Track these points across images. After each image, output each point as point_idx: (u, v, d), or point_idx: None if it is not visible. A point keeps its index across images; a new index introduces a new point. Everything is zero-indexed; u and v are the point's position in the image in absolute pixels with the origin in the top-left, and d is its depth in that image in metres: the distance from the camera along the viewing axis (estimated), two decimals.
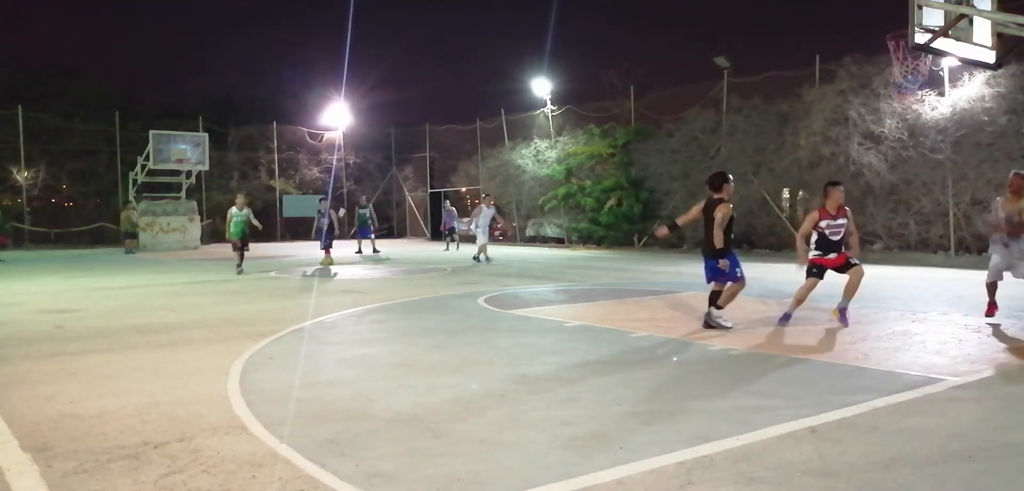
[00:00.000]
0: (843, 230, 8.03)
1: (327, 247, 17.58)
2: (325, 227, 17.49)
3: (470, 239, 32.09)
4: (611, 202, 24.77)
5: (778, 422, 4.40)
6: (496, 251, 24.74)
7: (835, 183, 8.19)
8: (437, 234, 34.43)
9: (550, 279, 14.20)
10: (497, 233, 31.82)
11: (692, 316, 8.96)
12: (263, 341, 7.41)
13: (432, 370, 6.05)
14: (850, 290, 8.05)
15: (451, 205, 27.70)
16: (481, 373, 5.91)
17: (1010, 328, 7.77)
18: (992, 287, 8.34)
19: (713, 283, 7.98)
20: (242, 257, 15.94)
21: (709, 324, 7.88)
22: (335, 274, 15.95)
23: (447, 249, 24.39)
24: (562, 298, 11.20)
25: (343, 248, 24.28)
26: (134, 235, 25.97)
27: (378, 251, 22.87)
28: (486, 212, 19.35)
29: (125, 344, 7.39)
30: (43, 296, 12.02)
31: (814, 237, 8.11)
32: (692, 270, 15.72)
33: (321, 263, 17.38)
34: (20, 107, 28.75)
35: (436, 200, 35.18)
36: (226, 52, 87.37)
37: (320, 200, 19.76)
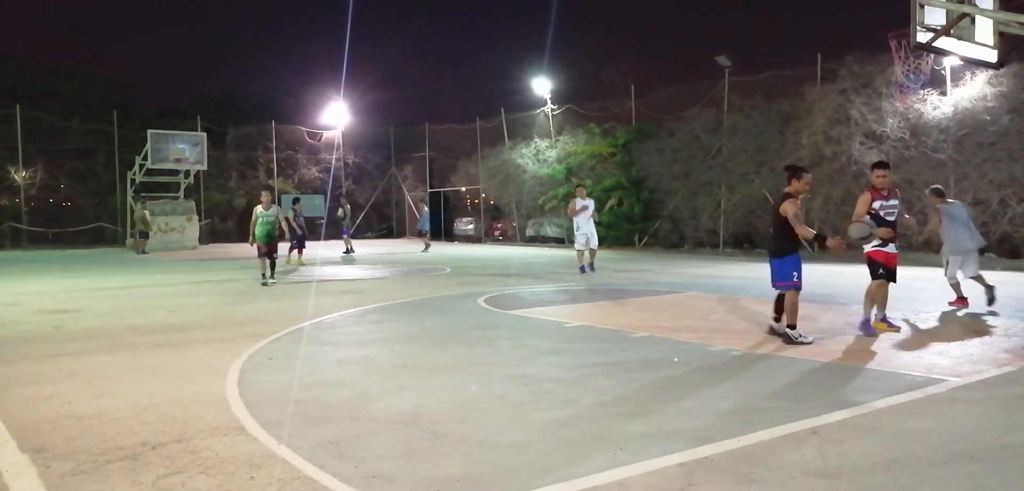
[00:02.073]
0: (896, 212, 7.55)
1: (299, 248, 18.41)
2: (296, 228, 18.50)
3: (469, 238, 32.17)
4: (612, 202, 24.76)
5: (779, 423, 4.38)
6: (496, 252, 24.73)
7: (879, 163, 7.80)
8: (436, 234, 34.41)
9: (550, 279, 14.17)
10: (497, 233, 31.83)
11: (693, 317, 8.94)
12: (262, 342, 7.39)
13: (432, 371, 6.02)
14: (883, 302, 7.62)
15: (424, 203, 26.79)
16: (481, 374, 5.88)
17: (1012, 328, 7.74)
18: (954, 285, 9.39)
19: (778, 289, 7.19)
20: (273, 266, 13.76)
21: (787, 339, 6.95)
22: (295, 271, 16.53)
23: (426, 249, 23.97)
24: (562, 298, 11.18)
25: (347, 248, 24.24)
26: (145, 235, 25.73)
27: (351, 251, 22.76)
28: (584, 204, 15.31)
29: (123, 345, 7.37)
30: (41, 296, 11.99)
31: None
32: (692, 270, 15.71)
33: (291, 263, 17.94)
34: (18, 106, 28.73)
35: (435, 199, 35.16)
36: (224, 51, 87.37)
37: (294, 201, 20.53)
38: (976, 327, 7.81)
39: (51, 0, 78.55)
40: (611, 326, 8.26)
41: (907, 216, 8.02)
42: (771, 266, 7.19)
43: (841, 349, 6.71)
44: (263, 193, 14.29)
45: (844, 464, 3.70)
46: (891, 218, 7.50)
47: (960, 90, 17.10)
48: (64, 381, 5.73)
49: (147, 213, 26.24)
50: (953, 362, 6.08)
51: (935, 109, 17.30)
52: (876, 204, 7.46)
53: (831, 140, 18.76)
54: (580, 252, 15.54)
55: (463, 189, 34.61)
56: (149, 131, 28.12)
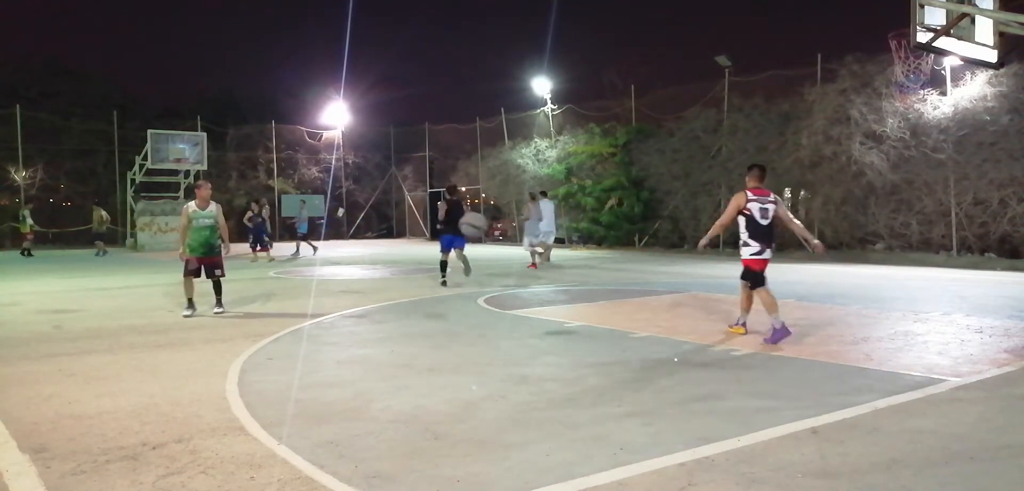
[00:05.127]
0: (773, 212, 7.14)
1: (260, 246, 19.82)
2: (259, 228, 19.91)
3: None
4: (612, 202, 24.76)
5: (779, 423, 4.38)
6: (496, 252, 24.75)
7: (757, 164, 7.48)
8: (437, 233, 34.39)
9: (550, 279, 14.17)
10: (497, 233, 31.83)
11: (693, 316, 8.94)
12: (262, 341, 7.38)
13: (431, 371, 6.02)
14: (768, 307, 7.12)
15: (302, 204, 24.62)
16: (481, 374, 5.88)
17: (1012, 328, 7.74)
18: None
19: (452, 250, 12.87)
20: (218, 289, 9.64)
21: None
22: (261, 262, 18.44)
23: (297, 253, 21.88)
24: (562, 298, 11.17)
25: (348, 248, 24.22)
26: (102, 236, 25.37)
27: (266, 254, 22.25)
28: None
29: (123, 344, 7.37)
30: (41, 296, 11.99)
31: (744, 224, 7.17)
32: (692, 270, 15.71)
33: (262, 259, 19.42)
34: (18, 106, 28.73)
35: (436, 200, 35.16)
36: (224, 51, 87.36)
37: (254, 202, 21.68)
38: (976, 328, 7.81)
39: (51, 0, 78.56)
40: (611, 326, 8.25)
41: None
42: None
43: (841, 349, 6.70)
44: (198, 185, 10.00)
45: (844, 464, 3.70)
46: (766, 222, 7.13)
47: (960, 90, 17.09)
48: (64, 381, 5.73)
49: (103, 213, 25.86)
50: (953, 362, 6.08)
51: (935, 109, 17.29)
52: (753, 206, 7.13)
53: (831, 140, 18.75)
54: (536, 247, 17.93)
55: (463, 189, 34.60)
56: (149, 131, 28.11)
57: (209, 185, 9.94)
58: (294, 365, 6.26)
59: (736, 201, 7.20)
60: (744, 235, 7.20)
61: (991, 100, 16.51)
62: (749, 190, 7.20)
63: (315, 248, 22.67)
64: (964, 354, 6.40)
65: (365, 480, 3.57)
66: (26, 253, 24.08)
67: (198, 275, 9.50)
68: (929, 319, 8.42)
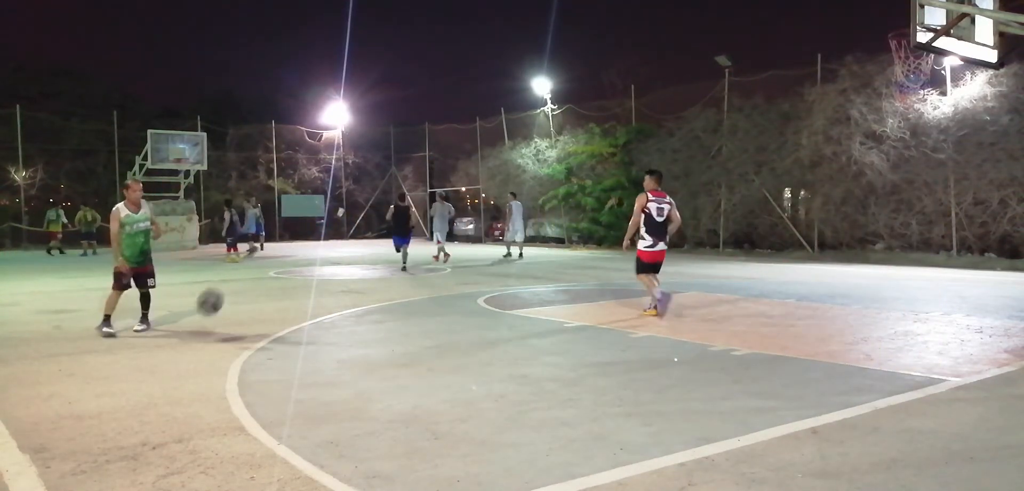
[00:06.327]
0: (668, 211, 8.72)
1: (233, 245, 19.96)
2: (231, 226, 20.14)
3: (469, 238, 32.13)
4: (612, 202, 24.76)
5: (779, 423, 4.38)
6: (496, 252, 24.75)
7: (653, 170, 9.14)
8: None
9: (550, 279, 14.17)
10: (497, 233, 31.84)
11: (693, 316, 8.94)
12: (262, 341, 7.38)
13: (431, 371, 6.02)
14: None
15: (249, 205, 23.69)
16: (481, 374, 5.88)
17: (1012, 328, 7.75)
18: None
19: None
20: (146, 302, 8.58)
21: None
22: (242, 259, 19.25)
23: (239, 255, 21.34)
24: (562, 298, 11.17)
25: (348, 248, 24.20)
26: (91, 235, 25.15)
27: (260, 249, 22.69)
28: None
29: (123, 344, 7.37)
30: (41, 296, 11.99)
31: (642, 221, 8.68)
32: (692, 270, 15.71)
33: (238, 258, 19.70)
34: (18, 106, 28.73)
35: (434, 201, 35.21)
36: (225, 51, 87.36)
37: (227, 202, 21.73)
38: (976, 328, 7.81)
39: (51, 0, 78.60)
40: (611, 326, 8.26)
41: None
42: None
43: (841, 349, 6.71)
44: (130, 184, 8.52)
45: (844, 464, 3.70)
46: (661, 219, 8.70)
47: (960, 90, 17.10)
48: (64, 381, 5.73)
49: (89, 213, 25.61)
50: (953, 362, 6.08)
51: (935, 109, 17.29)
52: (652, 206, 8.68)
53: (831, 140, 18.76)
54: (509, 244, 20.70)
55: (463, 189, 34.60)
56: (149, 131, 28.12)
57: (139, 185, 8.51)
58: (294, 365, 6.26)
59: (639, 202, 8.76)
60: (642, 230, 8.70)
61: (991, 100, 16.51)
62: (649, 192, 8.74)
63: (254, 250, 22.50)
64: (964, 354, 6.40)
65: (365, 480, 3.57)
66: (57, 251, 24.14)
67: (128, 288, 8.38)
68: (929, 319, 8.42)
